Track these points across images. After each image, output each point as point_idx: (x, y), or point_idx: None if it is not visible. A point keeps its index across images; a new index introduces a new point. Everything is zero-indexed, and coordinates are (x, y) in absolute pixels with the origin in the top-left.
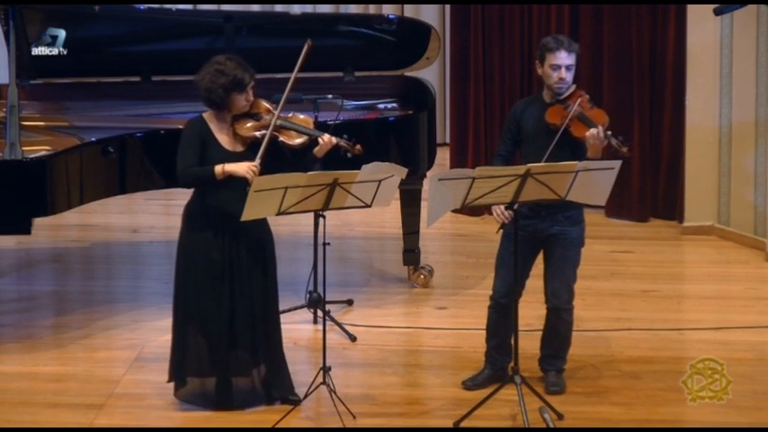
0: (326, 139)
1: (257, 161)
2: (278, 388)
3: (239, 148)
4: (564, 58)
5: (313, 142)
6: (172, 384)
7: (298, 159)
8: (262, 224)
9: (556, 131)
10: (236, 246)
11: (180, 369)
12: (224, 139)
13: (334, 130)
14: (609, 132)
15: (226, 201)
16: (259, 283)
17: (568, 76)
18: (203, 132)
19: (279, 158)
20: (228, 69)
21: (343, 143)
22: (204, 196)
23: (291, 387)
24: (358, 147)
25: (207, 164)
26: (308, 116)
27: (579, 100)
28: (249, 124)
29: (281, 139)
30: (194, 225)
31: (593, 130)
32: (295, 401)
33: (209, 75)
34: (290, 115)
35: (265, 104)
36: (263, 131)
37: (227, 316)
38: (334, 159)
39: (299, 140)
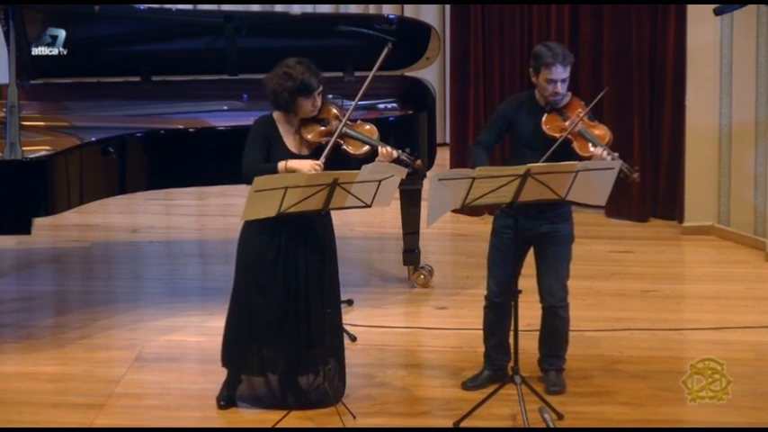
0: (386, 151)
1: (321, 159)
2: (335, 390)
3: (305, 152)
4: (560, 72)
5: (375, 152)
6: (173, 383)
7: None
8: (322, 223)
9: (554, 142)
10: (293, 247)
11: (235, 368)
12: (290, 142)
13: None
14: (617, 154)
15: None
16: (316, 284)
17: (563, 89)
18: (270, 132)
19: (344, 165)
20: (296, 73)
21: (404, 157)
22: None
23: (342, 392)
24: (418, 162)
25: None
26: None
27: (580, 114)
28: (316, 130)
29: (345, 147)
30: (252, 224)
31: (599, 152)
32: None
33: (277, 77)
34: (357, 123)
35: (334, 111)
36: (329, 138)
37: (279, 313)
38: None
39: (361, 150)
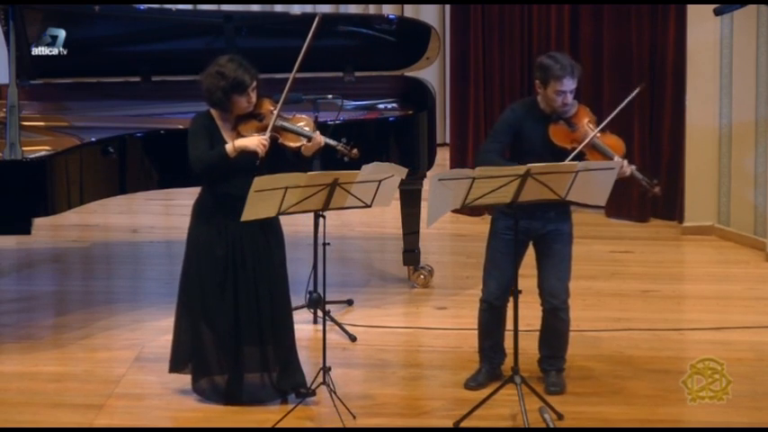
0: (315, 139)
1: (267, 134)
2: (290, 382)
3: None
4: (569, 84)
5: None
6: (173, 383)
7: (297, 160)
8: (268, 220)
9: (564, 152)
10: (240, 241)
11: (198, 365)
12: (229, 138)
13: (336, 131)
14: (634, 167)
15: (232, 195)
16: (265, 278)
17: (571, 99)
18: (210, 127)
19: (282, 158)
20: (229, 71)
21: (340, 147)
22: (212, 190)
23: (303, 382)
24: (354, 151)
25: None
26: (309, 116)
27: (587, 123)
28: (252, 125)
29: (282, 141)
30: (200, 220)
31: (618, 163)
32: (305, 394)
33: (210, 77)
34: (291, 116)
35: (268, 105)
36: (264, 133)
37: (233, 312)
38: (334, 161)
39: (298, 143)
